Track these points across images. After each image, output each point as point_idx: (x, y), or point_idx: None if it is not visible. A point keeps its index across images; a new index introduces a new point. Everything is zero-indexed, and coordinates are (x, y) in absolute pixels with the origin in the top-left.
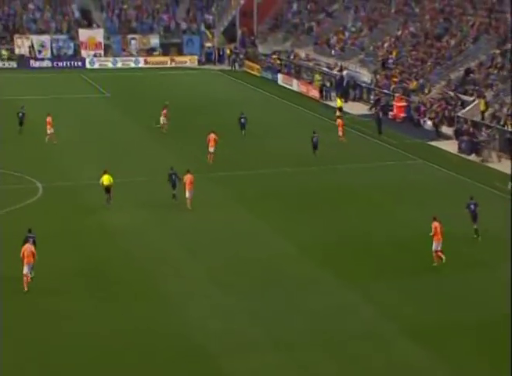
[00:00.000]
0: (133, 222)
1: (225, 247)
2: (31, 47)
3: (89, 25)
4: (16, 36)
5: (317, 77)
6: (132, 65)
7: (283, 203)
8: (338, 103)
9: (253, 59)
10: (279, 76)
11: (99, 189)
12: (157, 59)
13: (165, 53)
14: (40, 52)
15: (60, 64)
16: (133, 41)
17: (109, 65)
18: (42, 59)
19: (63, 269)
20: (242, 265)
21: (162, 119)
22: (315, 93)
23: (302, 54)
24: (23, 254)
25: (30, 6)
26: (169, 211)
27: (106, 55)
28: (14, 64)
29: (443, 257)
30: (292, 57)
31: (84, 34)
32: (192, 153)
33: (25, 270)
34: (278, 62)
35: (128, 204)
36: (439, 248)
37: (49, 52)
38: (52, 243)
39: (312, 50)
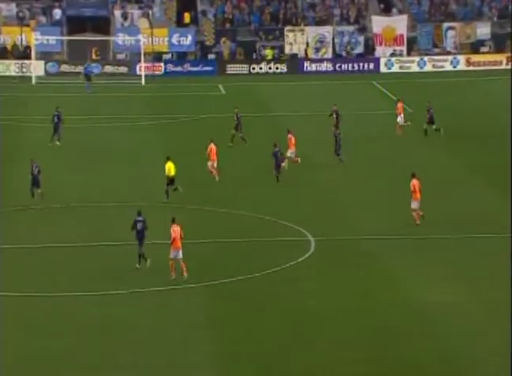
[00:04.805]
0: (454, 299)
1: None
2: (307, 44)
3: (387, 10)
4: (286, 29)
5: None
6: (448, 67)
7: None
8: None
9: None
10: None
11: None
12: (486, 58)
13: (499, 49)
14: (317, 50)
15: (344, 67)
16: (450, 33)
17: (414, 68)
18: (320, 61)
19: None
20: None
21: None
22: None
23: None
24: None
25: None
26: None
27: (409, 53)
28: (283, 68)
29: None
30: None
31: (379, 23)
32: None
33: (172, 254)
34: None
35: (444, 273)
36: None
37: (330, 50)
38: (329, 323)
39: None
